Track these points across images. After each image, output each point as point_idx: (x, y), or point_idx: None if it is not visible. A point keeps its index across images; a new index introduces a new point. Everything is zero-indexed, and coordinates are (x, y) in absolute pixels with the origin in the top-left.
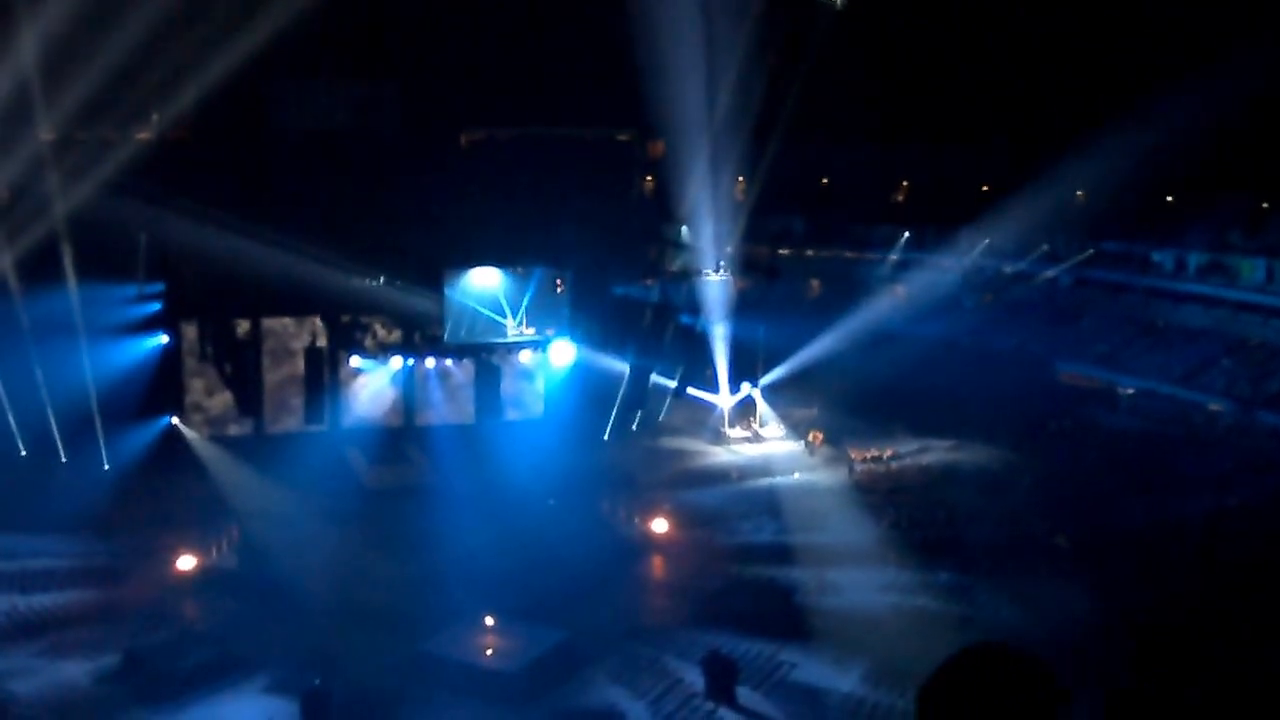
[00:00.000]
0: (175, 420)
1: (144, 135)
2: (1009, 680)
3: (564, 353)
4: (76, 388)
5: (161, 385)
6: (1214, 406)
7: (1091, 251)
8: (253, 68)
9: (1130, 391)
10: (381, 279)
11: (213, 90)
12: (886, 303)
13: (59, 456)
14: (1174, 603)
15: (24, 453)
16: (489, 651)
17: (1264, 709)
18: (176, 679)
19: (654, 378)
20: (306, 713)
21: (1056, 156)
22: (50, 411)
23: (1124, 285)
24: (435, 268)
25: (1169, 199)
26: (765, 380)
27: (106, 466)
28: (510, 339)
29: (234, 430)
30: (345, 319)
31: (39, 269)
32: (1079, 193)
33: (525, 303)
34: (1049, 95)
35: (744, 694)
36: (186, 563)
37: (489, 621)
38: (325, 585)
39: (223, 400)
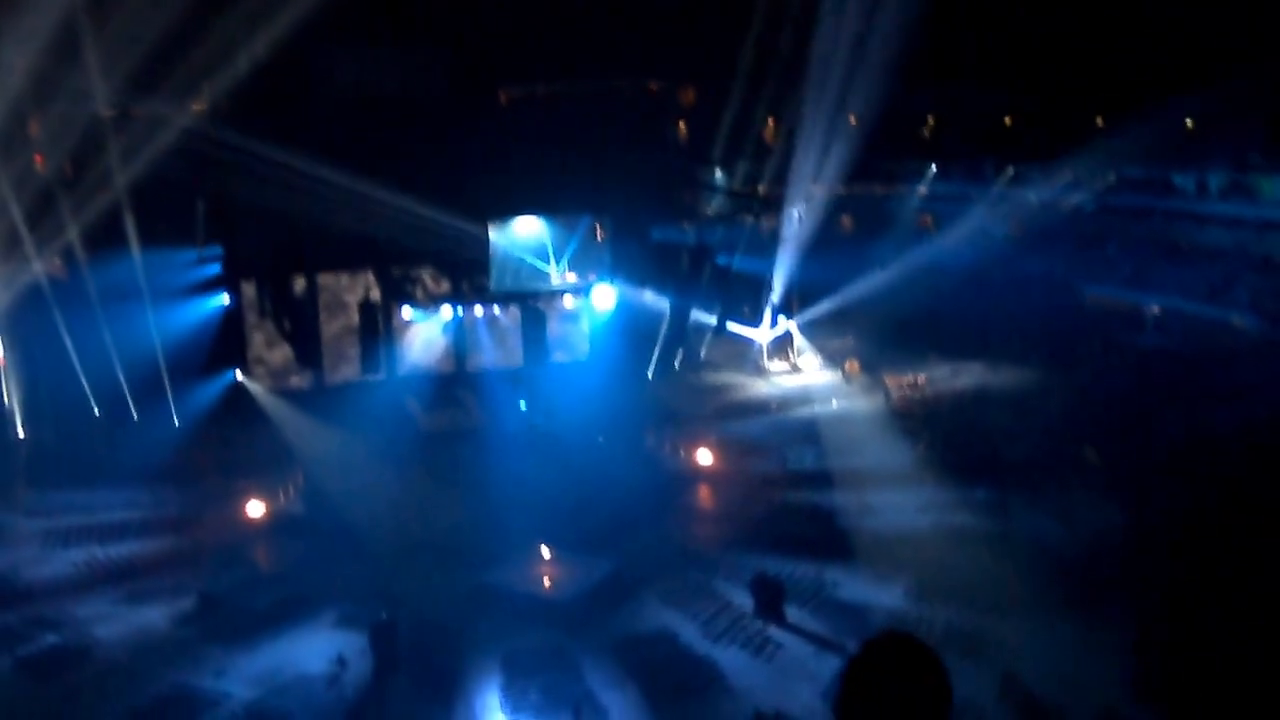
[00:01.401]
0: (239, 375)
1: (198, 107)
2: (914, 669)
3: (606, 296)
4: (145, 349)
5: (225, 343)
6: (1238, 322)
7: (1114, 178)
8: (298, 37)
9: (1156, 311)
10: (429, 233)
11: (261, 61)
12: (916, 235)
13: (131, 415)
14: (1201, 513)
15: (97, 413)
16: (546, 581)
17: None
18: (250, 618)
19: (694, 316)
20: (375, 644)
21: (1079, 86)
22: (121, 373)
23: (1147, 209)
24: (480, 219)
25: (1188, 122)
26: (802, 314)
27: (176, 422)
28: (554, 285)
29: (295, 382)
30: (396, 272)
31: (104, 239)
32: (1098, 119)
33: (568, 250)
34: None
35: (791, 612)
36: (255, 509)
37: (545, 553)
38: (388, 525)
39: (283, 354)
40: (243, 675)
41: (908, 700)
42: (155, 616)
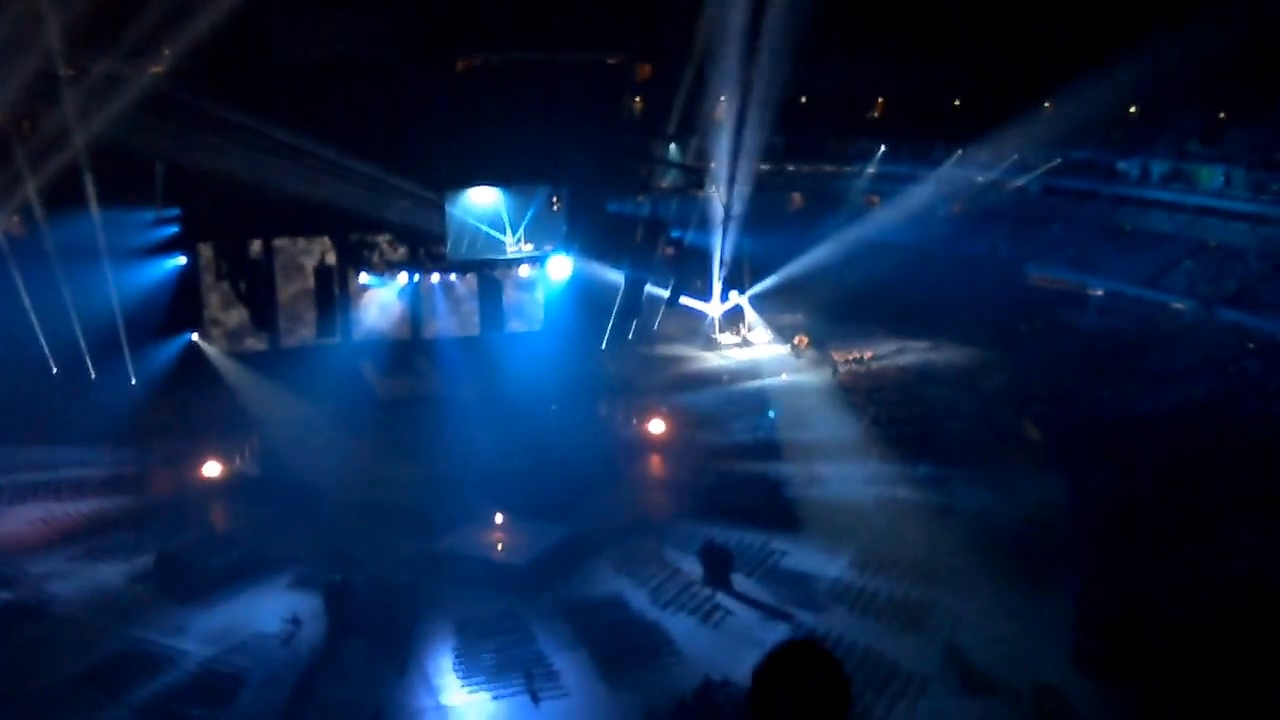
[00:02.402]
0: (196, 337)
1: (157, 68)
2: (820, 677)
3: (562, 267)
4: (102, 308)
5: (181, 304)
6: (1177, 305)
7: (1059, 160)
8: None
9: (1098, 293)
10: (385, 200)
11: (218, 23)
12: (864, 213)
13: (88, 373)
14: (1138, 489)
15: (55, 370)
16: (499, 547)
17: (1224, 587)
18: (206, 578)
19: (648, 289)
20: (329, 606)
21: (1026, 69)
22: (78, 331)
23: (1091, 192)
24: (438, 188)
25: (1131, 110)
26: (753, 289)
27: (133, 381)
28: (510, 255)
29: (251, 345)
30: (353, 238)
31: (62, 197)
32: (1046, 104)
33: (524, 220)
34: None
35: (739, 580)
36: (212, 470)
37: (498, 519)
38: (343, 489)
39: (239, 317)
40: (199, 633)
41: (811, 707)
42: (112, 574)
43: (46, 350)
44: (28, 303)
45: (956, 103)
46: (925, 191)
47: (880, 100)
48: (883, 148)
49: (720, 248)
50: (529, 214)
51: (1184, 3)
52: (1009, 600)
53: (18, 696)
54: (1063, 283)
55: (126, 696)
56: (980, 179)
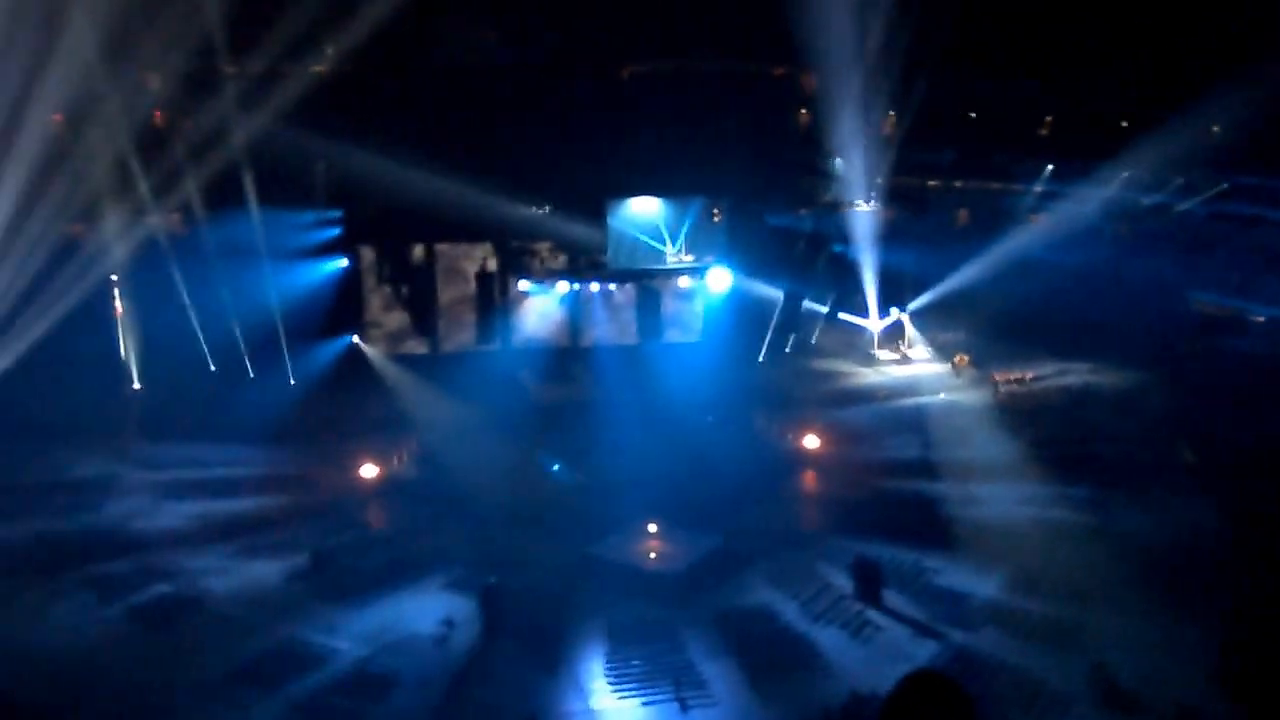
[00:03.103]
0: (356, 339)
1: (320, 69)
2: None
3: (721, 279)
4: (262, 308)
5: (342, 306)
6: None
7: (1226, 186)
8: (418, 4)
9: (1260, 319)
10: (547, 208)
11: (381, 25)
12: (1030, 232)
13: (247, 372)
14: None
15: (214, 369)
16: (651, 555)
17: None
18: (361, 578)
19: (806, 303)
20: (483, 609)
21: (1194, 92)
22: (238, 330)
23: (1258, 218)
24: (598, 197)
25: None
26: (914, 305)
27: (292, 381)
28: (670, 265)
29: (411, 348)
30: (514, 244)
31: (226, 197)
32: (1214, 127)
33: (685, 231)
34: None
35: (890, 597)
36: (369, 471)
37: (651, 528)
38: (498, 493)
39: (399, 320)
40: (352, 633)
41: None
42: (267, 572)
43: (205, 349)
44: (187, 299)
45: (1125, 124)
46: (1091, 212)
47: (1049, 118)
48: (1050, 166)
49: (882, 263)
50: (688, 224)
51: None
52: (1158, 623)
53: (172, 689)
54: (1225, 308)
55: (279, 693)
56: (1146, 201)
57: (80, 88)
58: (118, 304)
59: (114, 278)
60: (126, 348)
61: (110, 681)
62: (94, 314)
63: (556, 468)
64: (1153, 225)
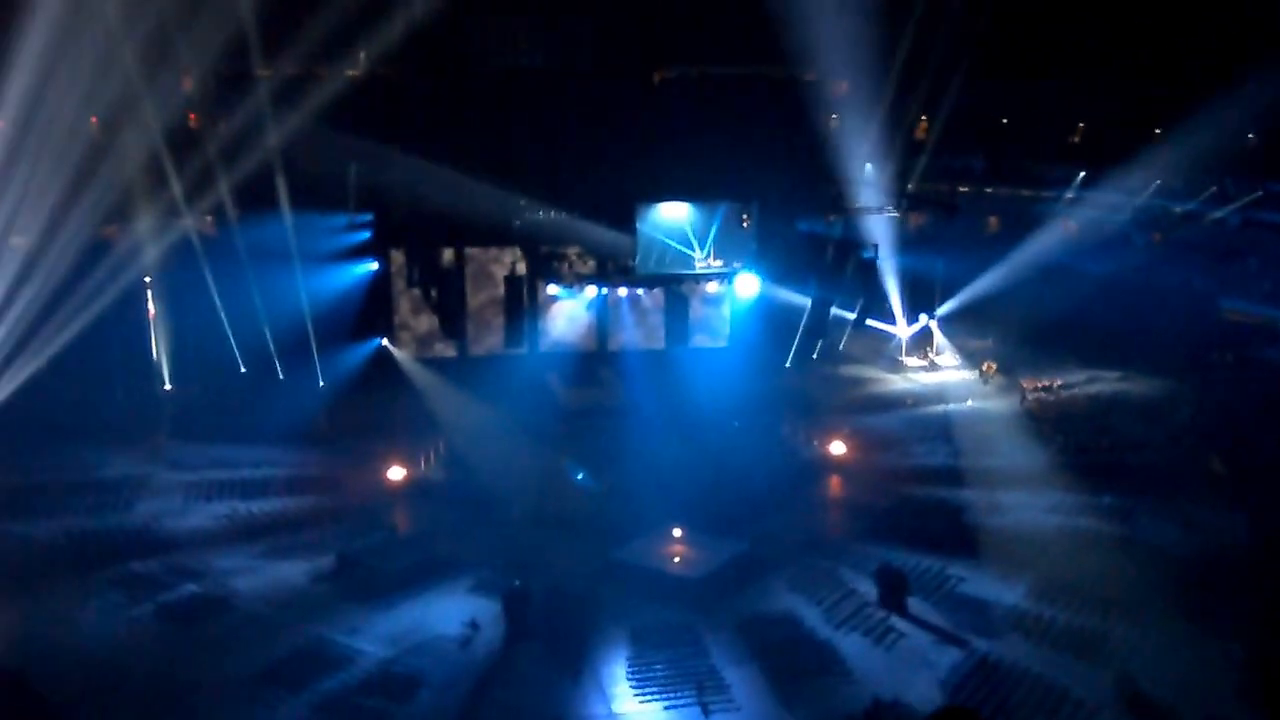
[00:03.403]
0: (385, 342)
1: (353, 73)
2: None
3: (749, 284)
4: (292, 310)
5: (372, 308)
6: None
7: (1260, 193)
8: (453, 5)
9: None
10: (576, 212)
11: (416, 28)
12: (1060, 239)
13: (277, 374)
14: None
15: (244, 370)
16: (675, 559)
17: None
18: (386, 579)
19: (834, 309)
20: (508, 611)
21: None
22: (268, 332)
23: None
24: (627, 202)
25: None
26: (942, 312)
27: (321, 384)
28: (698, 270)
29: (440, 351)
30: (543, 249)
31: (258, 200)
32: (1250, 135)
33: (712, 236)
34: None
35: (914, 604)
36: (396, 473)
37: (676, 532)
38: (524, 497)
39: (429, 323)
40: (377, 634)
41: None
42: (294, 572)
43: (235, 349)
44: (218, 301)
45: (1158, 131)
46: (1122, 220)
47: (1080, 125)
48: (1082, 174)
49: (910, 269)
50: (717, 230)
51: None
52: (1183, 633)
53: (200, 687)
54: (1256, 317)
55: (304, 693)
56: (1179, 209)
57: (116, 90)
58: (150, 305)
59: (147, 279)
60: (159, 349)
61: (138, 679)
62: (127, 315)
63: (581, 476)
64: (1185, 233)
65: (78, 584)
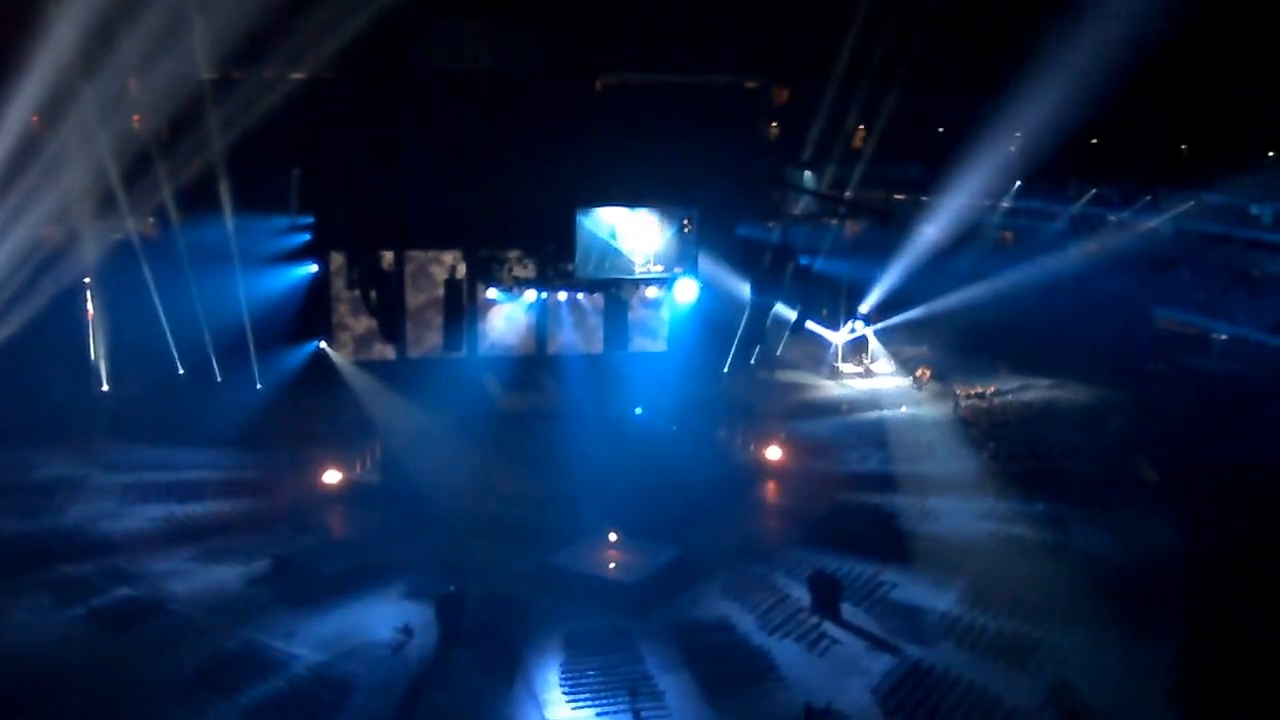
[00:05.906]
0: (323, 344)
1: (298, 74)
2: None
3: (688, 289)
4: (231, 312)
5: (311, 311)
6: None
7: (1192, 203)
8: (398, 7)
9: (1224, 337)
10: (517, 216)
11: (361, 30)
12: (996, 248)
13: (214, 376)
14: (1252, 536)
15: (181, 372)
16: (610, 565)
17: None
18: (321, 583)
19: (773, 315)
20: (441, 616)
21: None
22: (206, 334)
23: (1223, 236)
24: (569, 205)
25: (1270, 154)
26: (877, 319)
27: (259, 386)
28: (638, 275)
29: (378, 353)
30: (483, 253)
31: (198, 202)
32: (1182, 146)
33: (658, 240)
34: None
35: (847, 610)
36: (332, 477)
37: (611, 537)
38: (460, 501)
39: (367, 325)
40: (311, 638)
41: None
42: (228, 576)
43: (174, 351)
44: (157, 303)
45: (1094, 140)
46: (1056, 229)
47: (1018, 134)
48: (1018, 183)
49: (847, 277)
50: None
51: None
52: (1116, 640)
53: (132, 691)
54: (1189, 326)
55: (237, 697)
56: (1113, 219)
57: (58, 89)
58: (90, 306)
59: (87, 280)
60: (96, 350)
61: (69, 683)
62: (65, 316)
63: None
64: (1119, 242)
65: (7, 587)
